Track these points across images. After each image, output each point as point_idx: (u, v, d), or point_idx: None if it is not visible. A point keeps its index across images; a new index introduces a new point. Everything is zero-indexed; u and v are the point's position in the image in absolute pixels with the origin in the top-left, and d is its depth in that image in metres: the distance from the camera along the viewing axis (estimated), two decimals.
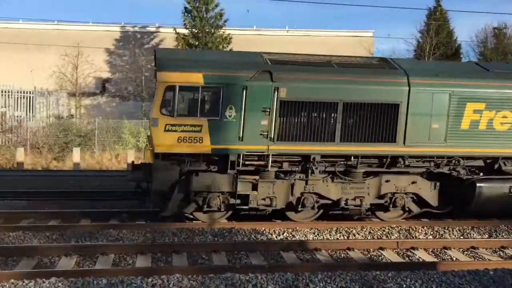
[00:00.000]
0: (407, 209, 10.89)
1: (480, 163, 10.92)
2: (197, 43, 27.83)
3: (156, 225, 9.92)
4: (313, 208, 10.45)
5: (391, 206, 10.66)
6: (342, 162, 10.35)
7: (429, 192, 10.78)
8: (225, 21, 28.69)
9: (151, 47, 31.46)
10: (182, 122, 9.71)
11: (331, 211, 10.80)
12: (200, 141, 9.70)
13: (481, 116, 10.51)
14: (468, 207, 10.80)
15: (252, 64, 10.16)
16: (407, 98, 10.18)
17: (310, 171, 10.11)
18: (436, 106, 10.33)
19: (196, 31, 28.04)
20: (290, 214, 10.57)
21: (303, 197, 10.28)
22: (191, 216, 10.44)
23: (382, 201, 10.67)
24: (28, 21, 32.22)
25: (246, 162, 9.98)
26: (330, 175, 10.37)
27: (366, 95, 10.14)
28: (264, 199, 10.13)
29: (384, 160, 10.40)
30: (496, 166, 10.81)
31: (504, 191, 10.65)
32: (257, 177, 9.96)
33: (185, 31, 28.80)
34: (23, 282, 6.43)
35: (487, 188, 10.60)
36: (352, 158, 10.30)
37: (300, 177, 10.22)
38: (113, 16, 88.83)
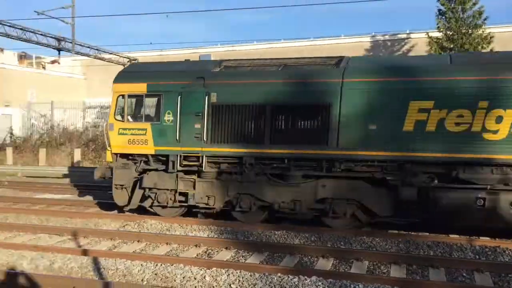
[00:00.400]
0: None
1: (438, 169, 9.51)
2: (451, 45, 26.23)
3: (409, 236, 9.71)
4: (250, 209, 10.70)
5: (331, 212, 10.16)
6: (276, 165, 10.32)
7: (374, 199, 9.88)
8: (485, 19, 26.25)
9: (401, 54, 30.93)
10: (131, 126, 11.22)
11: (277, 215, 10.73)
12: (146, 143, 11.05)
13: (428, 116, 9.28)
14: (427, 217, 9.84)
15: (188, 72, 11.05)
16: (339, 98, 9.65)
17: (243, 172, 10.45)
18: (372, 106, 9.55)
19: (451, 33, 26.45)
20: (236, 214, 10.99)
21: (239, 198, 10.60)
22: (152, 210, 11.73)
23: (322, 207, 10.26)
24: (288, 40, 35.51)
25: (185, 163, 10.84)
26: (267, 177, 10.44)
27: (296, 97, 10.03)
28: (203, 197, 10.86)
29: (322, 163, 10.00)
30: (454, 173, 9.35)
31: (464, 202, 9.21)
32: (195, 177, 10.85)
33: (439, 35, 27.44)
34: (288, 277, 7.10)
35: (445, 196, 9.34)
36: (286, 161, 10.20)
37: (235, 178, 10.60)
38: (364, 28, 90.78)
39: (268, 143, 10.34)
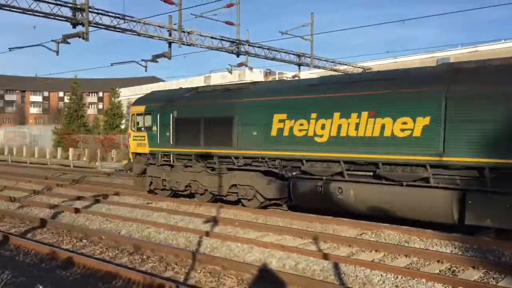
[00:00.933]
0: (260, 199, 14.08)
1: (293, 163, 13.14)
2: None
3: None
4: (202, 194, 15.51)
5: (239, 195, 14.39)
6: (211, 160, 14.80)
7: (262, 186, 13.78)
8: None
9: None
10: (138, 134, 17.08)
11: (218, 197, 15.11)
12: (145, 146, 16.74)
13: (284, 124, 12.93)
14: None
15: (167, 97, 16.76)
16: (239, 113, 14.01)
17: (193, 165, 15.33)
18: (256, 118, 13.57)
19: None
20: (197, 196, 15.90)
21: (192, 184, 15.54)
22: (155, 192, 17.15)
23: (235, 191, 14.46)
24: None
25: (164, 159, 16.04)
26: (209, 169, 14.96)
27: (216, 112, 14.65)
28: (173, 183, 15.98)
29: (232, 159, 14.28)
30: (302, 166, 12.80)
31: (312, 188, 12.50)
32: (170, 168, 16.06)
33: None
34: None
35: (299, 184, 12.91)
36: (214, 158, 14.70)
37: (189, 169, 15.48)
38: None
39: (203, 145, 14.96)
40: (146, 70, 19.87)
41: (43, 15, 15.26)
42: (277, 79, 40.17)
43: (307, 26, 25.31)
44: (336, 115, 11.93)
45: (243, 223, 12.34)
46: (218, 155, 14.55)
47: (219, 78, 37.85)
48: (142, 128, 16.92)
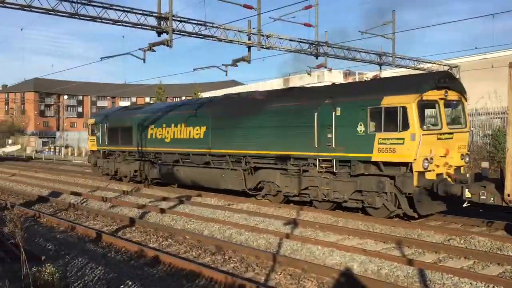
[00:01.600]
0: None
1: (159, 155, 20.80)
2: None
3: None
4: (125, 177, 23.46)
5: (143, 175, 22.21)
6: (125, 154, 23.08)
7: (147, 170, 21.74)
8: None
9: None
10: (91, 138, 25.91)
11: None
12: (94, 146, 25.39)
13: (153, 131, 21.09)
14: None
15: (104, 113, 26.75)
16: (134, 123, 22.46)
17: (117, 158, 23.77)
18: (142, 127, 21.79)
19: None
20: (123, 178, 23.76)
21: (117, 170, 23.80)
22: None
23: (139, 173, 22.59)
24: None
25: (108, 154, 24.52)
26: (126, 160, 23.14)
27: (125, 123, 23.06)
28: (114, 170, 24.04)
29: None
30: (163, 156, 20.58)
31: (167, 170, 20.11)
32: (107, 160, 24.75)
33: None
34: None
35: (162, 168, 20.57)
36: (126, 152, 23.05)
37: (116, 160, 23.91)
38: None
39: (120, 144, 23.18)
40: (226, 75, 20.29)
41: (131, 25, 16.12)
42: (357, 79, 39.48)
43: (388, 25, 24.59)
44: (173, 125, 19.70)
45: (323, 225, 12.22)
46: (128, 151, 22.78)
47: (297, 80, 37.81)
48: (94, 133, 25.62)
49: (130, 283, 7.75)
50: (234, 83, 75.70)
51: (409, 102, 11.86)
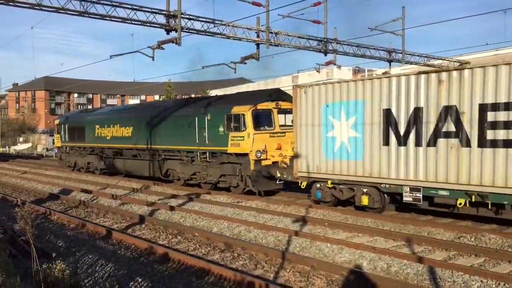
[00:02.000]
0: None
1: (104, 150, 26.09)
2: None
3: None
4: (83, 168, 28.66)
5: (90, 166, 28.10)
6: (80, 149, 28.65)
7: (95, 162, 27.07)
8: None
9: None
10: (56, 136, 31.99)
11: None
12: (59, 142, 31.18)
13: (99, 130, 26.46)
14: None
15: (66, 116, 34.53)
16: (87, 124, 27.94)
17: (75, 152, 29.33)
18: (92, 126, 27.12)
19: None
20: (81, 168, 29.29)
21: (75, 162, 29.28)
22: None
23: (88, 165, 27.94)
24: None
25: (69, 148, 30.41)
26: (80, 153, 28.72)
27: (79, 124, 28.67)
28: (70, 162, 30.25)
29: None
30: (106, 151, 25.92)
31: (110, 162, 25.50)
32: (68, 154, 30.60)
33: None
34: None
35: (107, 160, 25.90)
36: (81, 148, 28.08)
37: (74, 154, 29.51)
38: None
39: (77, 141, 28.47)
40: (235, 72, 20.28)
41: (140, 23, 16.16)
42: (366, 76, 39.44)
43: (398, 21, 24.43)
44: (112, 126, 24.89)
45: (332, 223, 12.20)
46: (83, 146, 28.33)
47: (306, 77, 37.71)
48: (59, 132, 31.12)
49: (140, 280, 7.79)
50: (243, 80, 75.68)
51: (245, 111, 16.64)
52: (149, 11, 16.22)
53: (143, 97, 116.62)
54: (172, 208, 14.98)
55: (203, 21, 17.67)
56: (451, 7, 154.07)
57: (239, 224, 12.49)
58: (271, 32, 19.32)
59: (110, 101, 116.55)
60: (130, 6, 15.89)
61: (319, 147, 14.26)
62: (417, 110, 11.81)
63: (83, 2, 14.98)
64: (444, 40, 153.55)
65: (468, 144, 10.86)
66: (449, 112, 11.19)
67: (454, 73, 11.19)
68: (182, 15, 16.69)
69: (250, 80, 69.02)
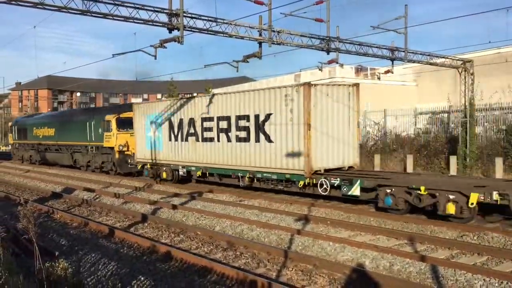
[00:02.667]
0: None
1: (38, 146, 35.49)
2: None
3: None
4: (36, 161, 36.53)
5: (36, 159, 36.75)
6: (26, 146, 38.21)
7: (41, 155, 35.73)
8: None
9: None
10: (10, 135, 42.60)
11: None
12: (11, 140, 42.39)
13: (36, 131, 35.75)
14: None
15: (15, 120, 48.99)
16: (28, 125, 38.52)
17: (23, 147, 39.37)
18: (32, 128, 37.21)
19: None
20: (28, 161, 38.83)
21: (31, 157, 37.93)
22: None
23: (39, 159, 36.01)
24: None
25: (16, 145, 41.22)
26: (27, 149, 38.45)
27: (25, 126, 39.08)
28: (20, 156, 40.65)
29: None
30: (41, 146, 35.34)
31: (44, 155, 34.95)
32: (18, 149, 41.17)
33: None
34: None
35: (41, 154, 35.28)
36: (30, 144, 37.47)
37: (24, 149, 39.06)
38: None
39: (22, 139, 38.57)
40: (237, 71, 20.23)
41: (142, 22, 16.17)
42: (368, 75, 39.19)
43: (400, 19, 24.34)
44: (43, 127, 34.27)
45: (335, 221, 12.19)
46: (26, 143, 36.95)
47: (309, 76, 37.65)
48: (11, 132, 40.38)
49: (142, 278, 7.80)
50: (245, 79, 75.68)
51: (112, 118, 25.49)
52: (151, 10, 16.22)
53: (145, 96, 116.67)
54: (174, 207, 14.99)
55: (205, 19, 17.66)
56: (453, 5, 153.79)
57: (241, 222, 12.49)
58: (274, 31, 19.30)
59: (112, 100, 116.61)
60: (132, 5, 15.89)
61: (144, 142, 22.23)
62: (181, 120, 19.84)
63: (85, 1, 14.98)
64: (447, 39, 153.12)
65: (198, 140, 19.01)
66: (192, 121, 19.22)
67: (196, 99, 19.41)
68: (184, 14, 16.68)
69: (252, 78, 68.99)
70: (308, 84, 15.19)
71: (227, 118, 17.73)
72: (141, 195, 18.44)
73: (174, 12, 16.52)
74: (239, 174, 17.24)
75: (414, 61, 26.61)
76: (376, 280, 7.48)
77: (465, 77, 23.86)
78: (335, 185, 14.29)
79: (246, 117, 16.96)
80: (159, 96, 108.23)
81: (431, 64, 26.57)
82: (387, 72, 27.46)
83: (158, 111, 21.23)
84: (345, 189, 13.97)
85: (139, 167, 22.54)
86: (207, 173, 18.69)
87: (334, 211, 13.82)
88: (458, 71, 24.81)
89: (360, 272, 7.89)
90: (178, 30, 16.66)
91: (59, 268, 6.76)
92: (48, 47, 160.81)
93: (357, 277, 7.74)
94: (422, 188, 12.05)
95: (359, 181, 13.60)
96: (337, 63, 23.28)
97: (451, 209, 11.48)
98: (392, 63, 25.96)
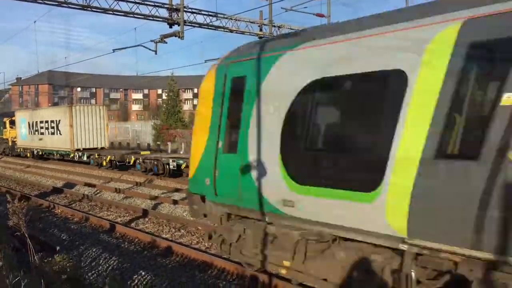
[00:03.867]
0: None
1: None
2: None
3: None
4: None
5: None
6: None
7: None
8: None
9: None
10: None
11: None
12: None
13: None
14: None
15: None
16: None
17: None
18: None
19: None
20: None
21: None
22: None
23: None
24: None
25: None
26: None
27: None
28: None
29: None
30: None
31: None
32: None
33: None
34: None
35: None
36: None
37: None
38: None
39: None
40: None
41: (143, 16, 16.15)
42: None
43: None
44: None
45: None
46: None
47: None
48: None
49: (143, 273, 7.83)
50: None
51: (6, 120, 40.14)
52: (152, 5, 16.21)
53: (146, 91, 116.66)
54: (175, 202, 15.01)
55: (205, 14, 17.64)
56: None
57: None
58: (274, 26, 19.29)
59: (113, 95, 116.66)
60: (132, 0, 15.88)
61: (21, 135, 35.45)
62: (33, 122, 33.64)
63: None
64: None
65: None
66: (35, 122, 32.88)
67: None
68: (185, 9, 16.67)
69: None
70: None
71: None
72: (142, 190, 18.47)
73: (175, 7, 16.50)
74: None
75: None
76: None
77: None
78: None
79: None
80: (159, 91, 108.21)
81: None
82: None
83: (25, 116, 35.28)
84: None
85: (19, 150, 36.00)
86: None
87: None
88: None
89: None
90: (179, 25, 16.64)
91: (57, 263, 6.78)
92: (48, 42, 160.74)
93: None
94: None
95: None
96: None
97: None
98: None
